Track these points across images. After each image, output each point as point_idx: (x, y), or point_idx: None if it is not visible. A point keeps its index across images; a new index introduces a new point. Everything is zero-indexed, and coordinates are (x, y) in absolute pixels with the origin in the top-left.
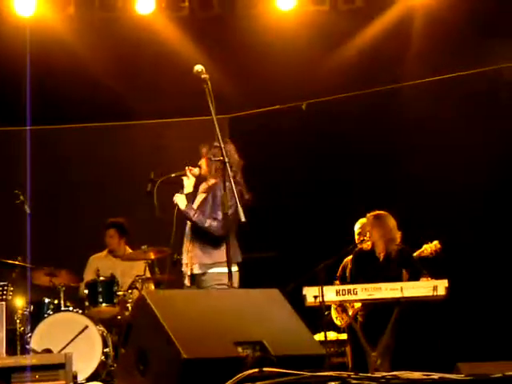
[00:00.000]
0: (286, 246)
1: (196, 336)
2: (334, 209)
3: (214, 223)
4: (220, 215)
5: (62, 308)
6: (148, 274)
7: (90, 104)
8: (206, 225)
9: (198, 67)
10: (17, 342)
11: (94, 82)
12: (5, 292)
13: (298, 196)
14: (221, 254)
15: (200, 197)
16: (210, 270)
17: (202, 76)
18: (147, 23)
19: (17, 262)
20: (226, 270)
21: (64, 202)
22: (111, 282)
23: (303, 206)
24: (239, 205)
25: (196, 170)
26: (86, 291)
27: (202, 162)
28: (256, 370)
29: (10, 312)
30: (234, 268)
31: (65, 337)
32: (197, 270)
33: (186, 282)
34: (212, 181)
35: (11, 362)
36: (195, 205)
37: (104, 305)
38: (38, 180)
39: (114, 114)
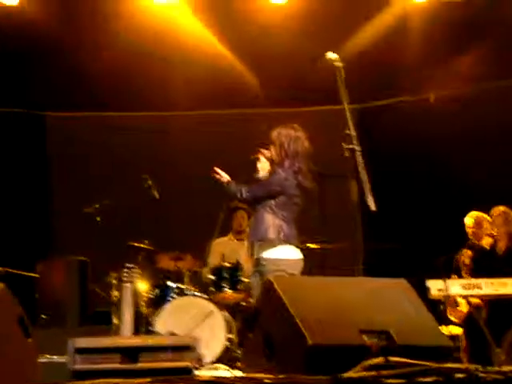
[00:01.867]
0: (408, 237)
1: (322, 322)
2: (453, 202)
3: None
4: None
5: (187, 292)
6: None
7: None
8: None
9: (332, 55)
10: (141, 325)
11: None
12: (132, 274)
13: (421, 188)
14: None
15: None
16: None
17: (335, 64)
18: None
19: (143, 246)
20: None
21: (189, 188)
22: (236, 267)
23: (426, 198)
24: (369, 194)
25: (267, 153)
26: (211, 276)
27: (272, 147)
28: (381, 358)
29: (136, 295)
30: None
31: (189, 321)
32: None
33: None
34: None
35: (139, 341)
36: None
37: (229, 290)
38: (169, 165)
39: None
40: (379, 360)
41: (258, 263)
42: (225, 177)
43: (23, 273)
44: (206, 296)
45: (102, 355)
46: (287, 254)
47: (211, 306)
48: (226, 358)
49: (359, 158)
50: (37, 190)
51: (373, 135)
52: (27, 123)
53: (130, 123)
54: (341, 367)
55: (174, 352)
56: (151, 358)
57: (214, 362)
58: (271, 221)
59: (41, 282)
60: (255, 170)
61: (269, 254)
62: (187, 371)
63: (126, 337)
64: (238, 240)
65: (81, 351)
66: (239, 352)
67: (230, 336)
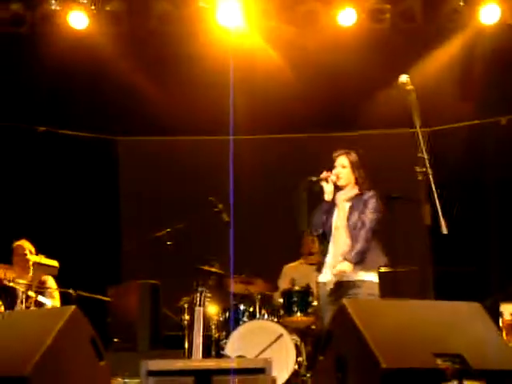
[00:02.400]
0: (481, 261)
1: (395, 346)
2: None
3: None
4: (368, 224)
5: (257, 316)
6: None
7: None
8: (366, 243)
9: (403, 78)
10: (212, 348)
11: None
12: (202, 298)
13: (495, 211)
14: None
15: (344, 206)
16: (361, 278)
17: (407, 87)
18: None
19: (213, 269)
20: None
21: (259, 211)
22: (306, 291)
23: (499, 221)
24: (441, 217)
25: (334, 178)
26: (281, 300)
27: (340, 172)
28: (455, 382)
29: (206, 318)
30: (374, 277)
31: (259, 344)
32: (343, 278)
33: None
34: (353, 191)
35: (213, 364)
36: (342, 215)
37: (299, 314)
38: (236, 188)
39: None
40: None
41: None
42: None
43: (95, 296)
44: (275, 319)
45: (174, 377)
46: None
47: (281, 329)
48: (294, 381)
49: (432, 182)
50: (108, 214)
51: (443, 158)
52: (100, 147)
53: (197, 147)
54: None
55: (247, 375)
56: (224, 381)
57: None
58: None
59: (113, 306)
60: (322, 192)
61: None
62: None
63: (199, 359)
64: (308, 264)
65: (154, 373)
66: (308, 375)
67: (300, 359)
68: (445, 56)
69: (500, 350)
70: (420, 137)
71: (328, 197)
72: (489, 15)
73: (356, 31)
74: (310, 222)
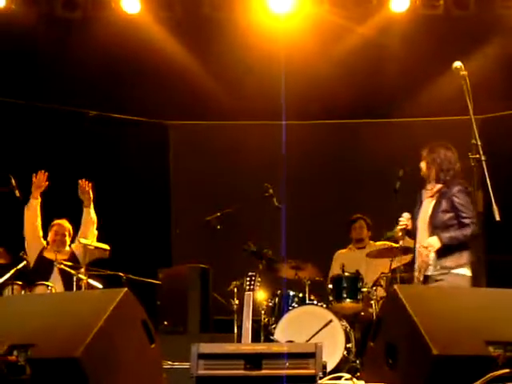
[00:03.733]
0: None
1: (447, 332)
2: None
3: (468, 230)
4: (467, 220)
5: (307, 301)
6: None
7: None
8: (463, 237)
9: (457, 64)
10: (261, 333)
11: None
12: (252, 282)
13: None
14: (460, 256)
15: (428, 202)
16: (452, 271)
17: (461, 73)
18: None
19: (264, 253)
20: (465, 271)
21: (311, 197)
22: (356, 277)
23: None
24: (494, 204)
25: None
26: (331, 286)
27: (422, 164)
28: (507, 370)
29: (256, 303)
30: (467, 271)
31: (308, 330)
32: (433, 272)
33: None
34: (437, 186)
35: (263, 348)
36: (426, 210)
37: (348, 300)
38: (288, 174)
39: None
40: (505, 372)
41: None
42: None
43: (145, 279)
44: (325, 305)
45: (225, 361)
46: None
47: (330, 315)
48: (343, 367)
49: (485, 168)
50: (159, 197)
51: (495, 145)
52: (151, 132)
53: (249, 131)
54: (466, 378)
55: (298, 359)
56: (275, 365)
57: (331, 372)
58: None
59: (163, 289)
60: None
61: None
62: (311, 379)
63: (250, 343)
64: (358, 249)
65: (204, 357)
66: (357, 362)
67: (349, 346)
68: (497, 44)
69: None
70: (473, 123)
71: None
72: None
73: (409, 17)
74: None
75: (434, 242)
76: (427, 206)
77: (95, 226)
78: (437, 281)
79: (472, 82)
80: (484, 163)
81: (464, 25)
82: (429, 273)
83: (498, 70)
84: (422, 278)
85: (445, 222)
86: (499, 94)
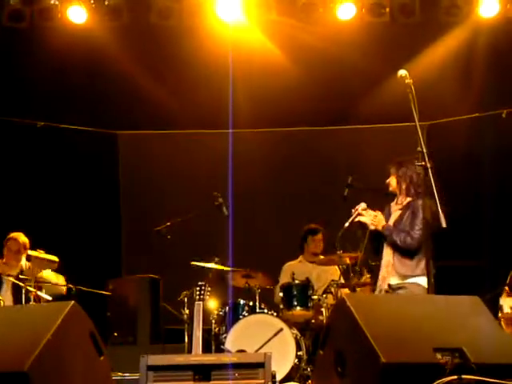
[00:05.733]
0: (483, 255)
1: (395, 340)
2: None
3: (408, 239)
4: (416, 232)
5: (257, 310)
6: (342, 280)
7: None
8: (399, 242)
9: (402, 72)
10: (212, 342)
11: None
12: (202, 292)
13: (497, 204)
14: (416, 266)
15: (395, 214)
16: (408, 281)
17: (406, 81)
18: None
19: (213, 264)
20: (421, 281)
21: (260, 206)
22: (306, 285)
23: (499, 215)
24: (441, 211)
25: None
26: (281, 294)
27: (391, 180)
28: (455, 377)
29: (206, 312)
30: (424, 280)
31: (259, 338)
32: (394, 281)
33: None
34: (407, 199)
35: (212, 359)
36: (391, 221)
37: (298, 308)
38: (236, 182)
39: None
40: (453, 378)
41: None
42: (380, 219)
43: (95, 291)
44: (275, 314)
45: (174, 372)
46: None
47: (281, 324)
48: (295, 375)
49: (431, 175)
50: (108, 208)
51: (441, 152)
52: (100, 142)
53: (196, 140)
54: None
55: (247, 369)
56: (224, 375)
57: (283, 380)
58: None
59: (113, 300)
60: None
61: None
62: None
63: (199, 354)
64: (310, 262)
65: (153, 368)
66: (308, 369)
67: (300, 353)
68: (444, 50)
69: (500, 343)
70: (419, 130)
71: None
72: (488, 8)
73: (355, 25)
74: None
75: (381, 219)
76: (395, 217)
77: None
78: (395, 289)
79: (419, 88)
80: (430, 170)
81: (410, 31)
82: (391, 282)
83: (446, 75)
84: (385, 287)
85: (406, 227)
86: (447, 100)
